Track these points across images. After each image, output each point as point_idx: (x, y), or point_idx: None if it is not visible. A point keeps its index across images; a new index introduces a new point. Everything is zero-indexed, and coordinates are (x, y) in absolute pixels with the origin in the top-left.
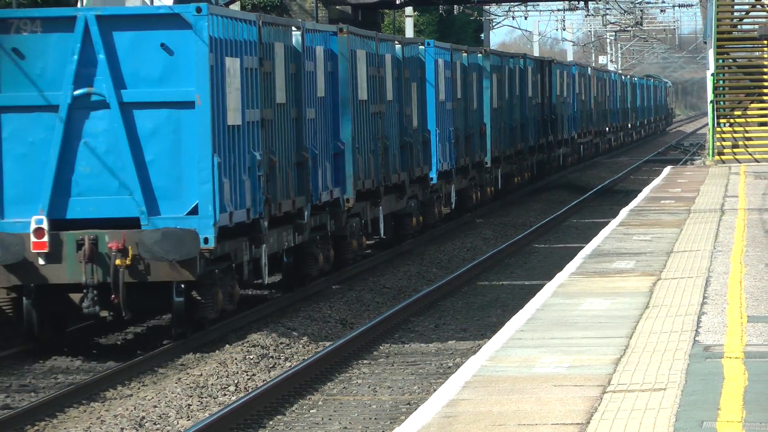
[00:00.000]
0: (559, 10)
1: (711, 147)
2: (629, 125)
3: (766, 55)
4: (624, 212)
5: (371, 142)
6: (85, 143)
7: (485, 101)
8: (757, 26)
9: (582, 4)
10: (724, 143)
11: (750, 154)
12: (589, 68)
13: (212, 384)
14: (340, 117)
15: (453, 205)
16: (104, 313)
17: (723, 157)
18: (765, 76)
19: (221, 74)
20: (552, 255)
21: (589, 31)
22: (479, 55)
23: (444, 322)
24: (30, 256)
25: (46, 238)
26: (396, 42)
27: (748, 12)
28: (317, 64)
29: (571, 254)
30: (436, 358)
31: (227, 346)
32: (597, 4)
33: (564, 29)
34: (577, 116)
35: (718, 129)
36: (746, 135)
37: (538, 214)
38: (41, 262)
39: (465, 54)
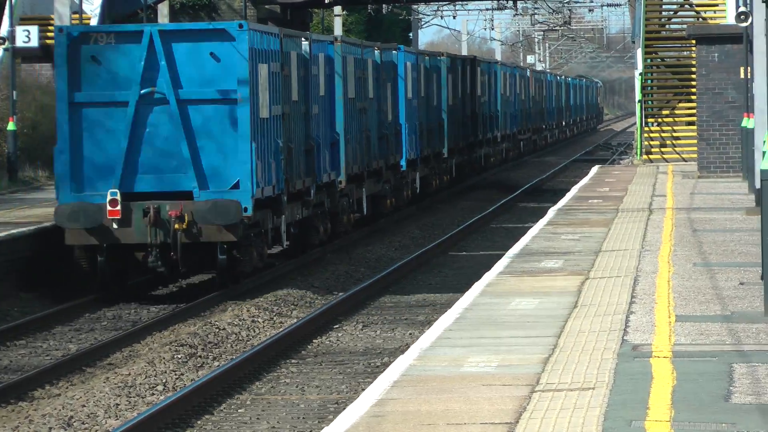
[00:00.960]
0: (487, 9)
1: (639, 146)
2: (563, 123)
3: (693, 55)
4: (552, 211)
5: (358, 134)
6: (149, 132)
7: (443, 98)
8: (685, 26)
9: (510, 3)
10: (652, 142)
11: (678, 154)
12: (528, 70)
13: (140, 383)
14: (335, 112)
15: (418, 190)
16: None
17: (651, 156)
18: (693, 76)
19: (255, 77)
20: (476, 257)
21: (518, 30)
22: (439, 57)
23: (372, 320)
24: (106, 222)
25: (119, 207)
26: (375, 48)
27: (676, 11)
28: (320, 68)
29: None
30: (365, 358)
31: (156, 345)
32: (525, 3)
33: (492, 28)
34: (518, 114)
35: (646, 128)
36: (674, 134)
37: (466, 213)
38: (114, 226)
39: (427, 57)
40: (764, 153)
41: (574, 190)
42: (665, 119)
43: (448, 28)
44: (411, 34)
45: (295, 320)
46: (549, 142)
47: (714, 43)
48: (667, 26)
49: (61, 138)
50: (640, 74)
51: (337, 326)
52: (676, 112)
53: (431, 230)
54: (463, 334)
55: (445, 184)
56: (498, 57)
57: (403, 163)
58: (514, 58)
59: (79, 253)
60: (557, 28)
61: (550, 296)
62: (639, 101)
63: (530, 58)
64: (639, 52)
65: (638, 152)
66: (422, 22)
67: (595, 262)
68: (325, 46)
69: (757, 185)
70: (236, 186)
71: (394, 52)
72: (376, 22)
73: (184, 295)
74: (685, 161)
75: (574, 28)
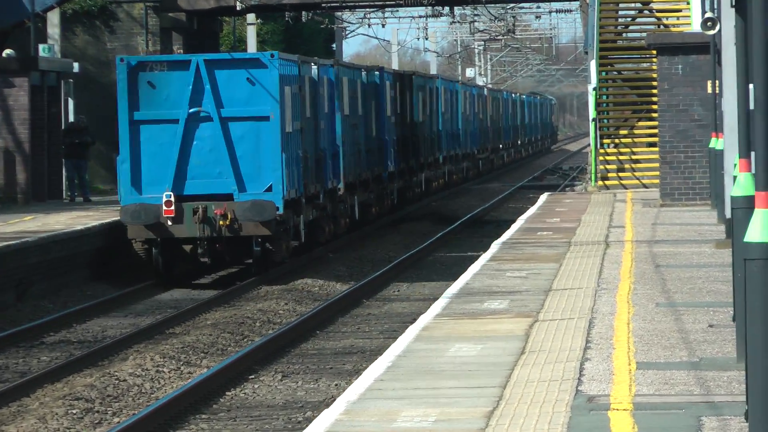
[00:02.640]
0: (420, 16)
1: (594, 171)
2: (519, 142)
3: (654, 67)
4: (496, 245)
5: (352, 146)
6: (196, 144)
7: (416, 114)
8: (644, 34)
9: (447, 9)
10: (608, 166)
11: (637, 179)
12: (486, 88)
13: None
14: (336, 126)
15: (395, 201)
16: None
17: (607, 182)
18: (654, 91)
19: (282, 98)
20: (416, 292)
21: (455, 40)
22: (413, 76)
23: (293, 370)
24: (162, 219)
25: (172, 207)
26: (362, 70)
27: (634, 18)
28: (324, 89)
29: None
30: (284, 412)
31: (48, 399)
32: (463, 9)
33: (426, 38)
34: (477, 133)
35: (602, 150)
36: (633, 157)
37: (400, 248)
38: (169, 223)
39: (402, 75)
40: (735, 178)
41: (520, 221)
42: (623, 140)
43: (377, 38)
44: (334, 45)
45: (206, 370)
46: (506, 161)
47: (677, 54)
48: (624, 35)
49: (123, 150)
50: (594, 89)
51: (252, 376)
52: (636, 131)
53: (360, 266)
54: (396, 385)
55: (430, 191)
56: (433, 70)
57: (385, 175)
58: (451, 71)
59: (137, 245)
60: (500, 37)
61: (494, 341)
62: (593, 120)
63: (470, 72)
64: (593, 65)
65: (593, 178)
66: (347, 32)
67: (544, 302)
68: (327, 69)
69: (728, 214)
70: (269, 189)
71: (376, 72)
72: (295, 32)
73: (220, 282)
74: (646, 188)
75: (519, 37)
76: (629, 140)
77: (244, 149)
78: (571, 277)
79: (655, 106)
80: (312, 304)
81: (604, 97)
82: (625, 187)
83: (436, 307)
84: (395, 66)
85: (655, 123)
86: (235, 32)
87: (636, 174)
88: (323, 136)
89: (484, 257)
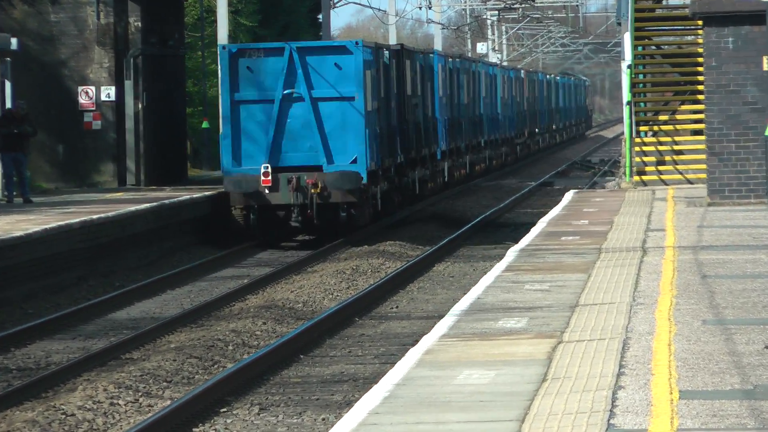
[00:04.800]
0: None
1: (628, 164)
2: (554, 127)
3: (700, 41)
4: (512, 253)
5: (414, 125)
6: (290, 122)
7: (462, 97)
8: (688, 1)
9: None
10: (645, 159)
11: (680, 173)
12: (523, 71)
13: None
14: (402, 106)
15: (446, 178)
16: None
17: (644, 177)
18: (699, 69)
19: (364, 81)
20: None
21: (464, 9)
22: (458, 59)
23: (272, 401)
24: (260, 188)
25: (269, 177)
26: (420, 53)
27: None
28: (393, 71)
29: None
30: None
31: None
32: None
33: (430, 7)
34: (515, 117)
35: (638, 140)
36: (675, 147)
37: (406, 250)
38: (266, 191)
39: (451, 59)
40: None
41: (541, 225)
42: (663, 127)
43: (371, 7)
44: (320, 16)
45: (169, 402)
46: (541, 147)
47: (727, 25)
48: (664, 2)
49: (225, 127)
50: (629, 67)
51: (224, 410)
52: (678, 117)
53: (351, 278)
54: (395, 419)
55: (465, 176)
56: (438, 45)
57: (438, 153)
58: (459, 46)
59: (236, 212)
60: (517, 5)
61: (510, 366)
62: (628, 103)
63: (481, 47)
64: (627, 38)
65: (627, 172)
66: (335, 1)
67: (570, 320)
68: (393, 52)
69: None
70: (355, 161)
71: (430, 55)
72: (275, 2)
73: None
74: (691, 183)
75: (539, 5)
76: (670, 127)
77: (332, 126)
78: (602, 290)
79: (701, 87)
80: (294, 324)
81: (641, 76)
82: (665, 183)
83: (442, 326)
84: (392, 41)
85: (701, 107)
86: (202, 3)
87: (678, 167)
88: (393, 115)
89: (499, 267)
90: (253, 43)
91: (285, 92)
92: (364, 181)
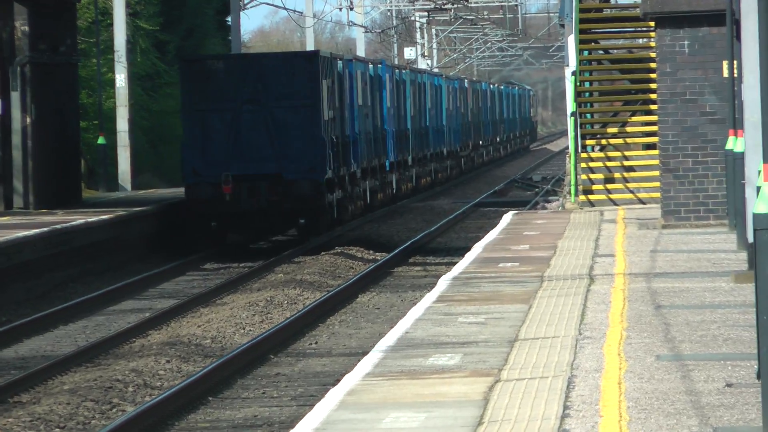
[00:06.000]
0: None
1: (573, 182)
2: (498, 139)
3: (653, 44)
4: (444, 281)
5: (365, 135)
6: (248, 130)
7: (408, 109)
8: (639, 0)
9: None
10: (592, 176)
11: (632, 192)
12: (466, 80)
13: None
14: (354, 116)
15: (394, 191)
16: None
17: (591, 196)
18: (652, 75)
19: (321, 89)
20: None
21: (389, 10)
22: (404, 71)
23: None
24: (220, 196)
25: (230, 185)
26: (370, 62)
27: None
28: (346, 81)
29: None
30: None
31: None
32: None
33: (352, 8)
34: (460, 129)
35: (584, 155)
36: (625, 164)
37: (326, 276)
38: (227, 198)
39: (397, 70)
40: (759, 189)
41: (476, 250)
42: (612, 141)
43: (286, 9)
44: (230, 19)
45: None
46: (485, 160)
47: (683, 26)
48: (611, 1)
49: (186, 135)
50: (574, 74)
51: None
52: (628, 129)
53: (266, 310)
54: None
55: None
56: (360, 50)
57: (387, 164)
58: (384, 52)
59: (195, 220)
60: (448, 6)
61: (442, 408)
62: (572, 114)
63: (409, 52)
64: (571, 41)
65: (572, 191)
66: (245, 1)
67: (509, 356)
68: (347, 63)
69: (750, 237)
70: (313, 169)
71: (379, 66)
72: (178, 3)
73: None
74: (643, 203)
75: (474, 5)
76: (620, 141)
77: (290, 134)
78: (544, 322)
79: (653, 96)
80: (202, 362)
81: (587, 84)
82: (614, 203)
83: (366, 363)
84: (310, 45)
85: (654, 118)
86: (97, 4)
87: (629, 186)
88: (347, 125)
89: (429, 297)
90: (211, 54)
91: (244, 100)
92: (322, 189)
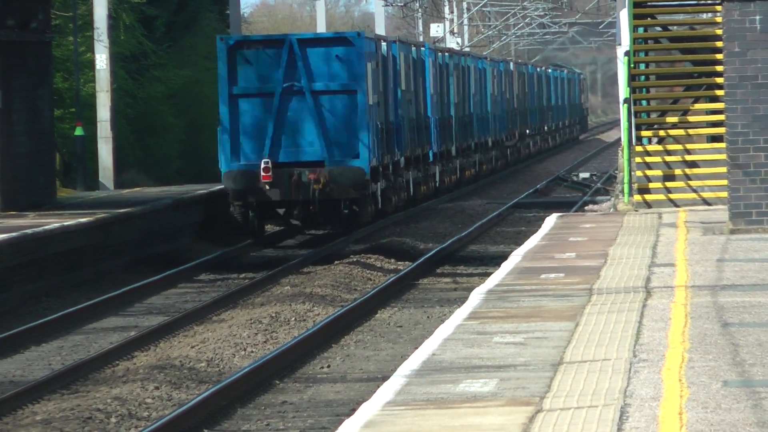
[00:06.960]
0: None
1: (627, 179)
2: (545, 128)
3: (718, 20)
4: (478, 295)
5: (408, 122)
6: (290, 116)
7: (451, 95)
8: None
9: None
10: (649, 173)
11: (695, 192)
12: (512, 62)
13: None
14: (397, 101)
15: (437, 184)
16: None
17: (648, 196)
18: (717, 56)
19: (366, 73)
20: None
21: None
22: (447, 53)
23: None
24: (260, 185)
25: (270, 173)
26: (412, 45)
27: None
28: (390, 64)
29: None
30: None
31: None
32: None
33: None
34: (505, 117)
35: (639, 148)
36: (687, 159)
37: (341, 288)
38: (267, 187)
39: (440, 53)
40: None
41: (515, 258)
42: (671, 132)
43: None
44: None
45: None
46: (532, 151)
47: None
48: None
49: (223, 122)
50: (627, 55)
51: None
52: (691, 119)
53: (270, 328)
54: None
55: (472, 175)
56: (380, 27)
57: (430, 154)
58: (407, 28)
59: (233, 209)
60: None
61: None
62: (625, 101)
63: (436, 29)
64: (624, 16)
65: (626, 190)
66: None
67: (552, 382)
68: (391, 45)
69: None
70: (357, 156)
71: (422, 48)
72: None
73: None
74: (708, 205)
75: None
76: (681, 132)
77: (334, 120)
78: (593, 342)
79: (720, 80)
80: (196, 389)
81: (642, 66)
82: (675, 204)
83: (387, 390)
84: (321, 22)
85: (721, 105)
86: None
87: (692, 184)
88: (391, 111)
89: (460, 314)
90: (251, 35)
91: (285, 85)
92: (367, 177)
